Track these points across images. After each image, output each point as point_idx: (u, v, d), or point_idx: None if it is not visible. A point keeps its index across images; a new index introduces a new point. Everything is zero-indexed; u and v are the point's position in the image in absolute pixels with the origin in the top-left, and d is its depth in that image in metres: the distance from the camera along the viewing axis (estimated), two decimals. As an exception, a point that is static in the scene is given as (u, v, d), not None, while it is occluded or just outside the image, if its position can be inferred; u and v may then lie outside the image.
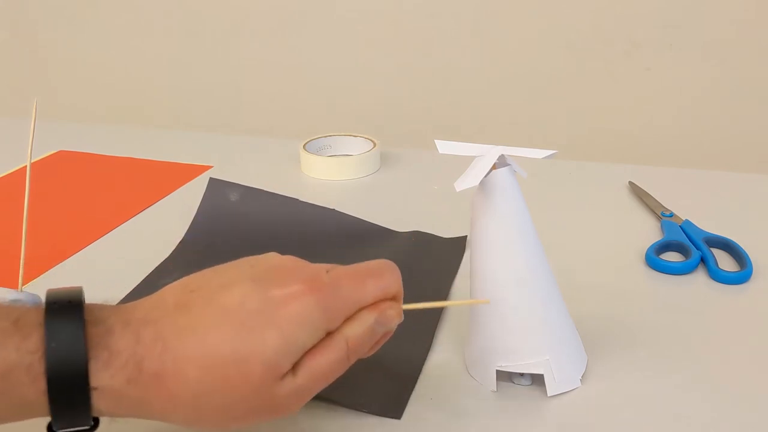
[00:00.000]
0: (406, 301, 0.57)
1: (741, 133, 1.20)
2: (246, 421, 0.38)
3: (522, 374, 0.48)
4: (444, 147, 0.47)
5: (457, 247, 0.66)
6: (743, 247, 0.63)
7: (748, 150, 1.19)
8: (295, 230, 0.67)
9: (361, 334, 0.39)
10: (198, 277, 0.39)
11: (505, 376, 0.48)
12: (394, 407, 0.46)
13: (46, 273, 0.63)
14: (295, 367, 0.37)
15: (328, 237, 0.67)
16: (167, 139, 1.00)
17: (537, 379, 0.48)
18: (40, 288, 0.59)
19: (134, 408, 0.36)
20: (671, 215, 0.71)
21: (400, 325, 0.54)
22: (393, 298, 0.40)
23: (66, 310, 0.35)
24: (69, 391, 0.34)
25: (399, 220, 0.70)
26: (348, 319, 0.39)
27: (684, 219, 0.70)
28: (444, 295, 0.59)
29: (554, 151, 0.46)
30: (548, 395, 0.47)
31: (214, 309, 0.36)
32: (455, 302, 0.48)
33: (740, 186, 0.80)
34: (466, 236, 0.66)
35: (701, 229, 0.67)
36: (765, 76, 1.16)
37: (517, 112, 1.28)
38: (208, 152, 0.92)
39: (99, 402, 0.35)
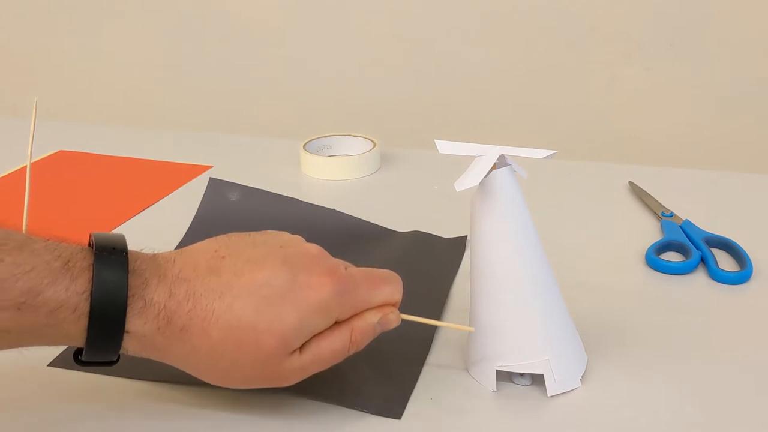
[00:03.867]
0: (404, 304, 0.58)
1: (741, 133, 1.20)
2: (247, 384, 0.43)
3: (522, 374, 0.48)
4: (444, 147, 0.47)
5: (457, 247, 0.66)
6: (743, 247, 0.63)
7: (748, 150, 1.19)
8: (294, 230, 0.67)
9: (364, 329, 0.43)
10: (229, 244, 0.43)
11: (505, 376, 0.48)
12: (394, 407, 0.46)
13: (46, 273, 0.63)
14: (302, 347, 0.41)
15: (328, 237, 0.67)
16: (167, 139, 1.00)
17: (537, 379, 0.48)
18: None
19: (157, 352, 0.40)
20: (671, 215, 0.71)
21: (400, 325, 0.55)
22: (394, 305, 0.45)
23: (112, 259, 0.39)
24: (106, 331, 0.38)
25: (399, 220, 0.70)
26: (355, 314, 0.43)
27: (684, 219, 0.70)
28: (444, 295, 0.59)
29: (554, 151, 0.46)
30: (548, 395, 0.47)
31: (244, 280, 0.40)
32: (445, 324, 0.53)
33: (740, 186, 0.80)
34: (466, 236, 0.66)
35: (701, 229, 0.67)
36: (765, 76, 1.16)
37: (518, 112, 1.28)
38: (208, 152, 0.92)
39: (128, 343, 0.39)
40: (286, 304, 0.40)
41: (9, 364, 0.51)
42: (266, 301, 0.40)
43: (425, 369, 0.50)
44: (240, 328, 0.40)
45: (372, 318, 0.44)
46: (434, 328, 0.54)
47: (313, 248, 0.45)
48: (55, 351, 0.52)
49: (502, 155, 0.46)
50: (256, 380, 0.42)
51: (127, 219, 0.74)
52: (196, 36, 1.39)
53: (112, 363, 0.41)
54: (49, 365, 0.50)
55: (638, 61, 1.20)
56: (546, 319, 0.47)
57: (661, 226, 0.69)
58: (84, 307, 0.38)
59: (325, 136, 0.89)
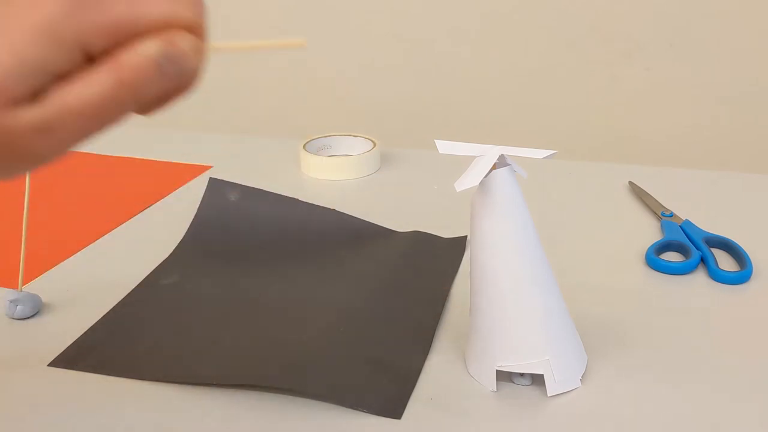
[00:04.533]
0: (409, 296, 0.58)
1: (741, 133, 1.20)
2: None
3: (522, 374, 0.48)
4: (444, 147, 0.47)
5: (457, 247, 0.66)
6: (743, 247, 0.63)
7: (748, 150, 1.19)
8: (294, 230, 0.67)
9: (138, 63, 0.29)
10: None
11: (505, 376, 0.48)
12: (394, 407, 0.46)
13: (46, 273, 0.63)
14: (40, 97, 0.29)
15: (328, 237, 0.67)
16: (167, 139, 1.00)
17: (537, 379, 0.48)
18: (40, 288, 0.59)
19: None
20: (671, 215, 0.71)
21: (400, 325, 0.54)
22: (189, 30, 0.31)
23: None
24: None
25: (399, 220, 0.70)
26: (119, 45, 0.29)
27: (684, 219, 0.70)
28: (444, 295, 0.59)
29: (554, 151, 0.46)
30: (548, 395, 0.47)
31: None
32: (273, 43, 0.35)
33: (740, 186, 0.80)
34: (466, 236, 0.66)
35: (701, 229, 0.67)
36: (765, 76, 1.16)
37: (518, 112, 1.28)
38: (208, 152, 0.92)
39: None
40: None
41: (9, 364, 0.51)
42: None
43: (425, 369, 0.50)
44: None
45: (147, 47, 0.29)
46: (434, 328, 0.54)
47: None
48: (55, 351, 0.52)
49: (502, 155, 0.46)
50: None
51: (127, 219, 0.74)
52: (196, 36, 1.39)
53: None
54: (49, 365, 0.51)
55: (638, 61, 1.20)
56: (546, 319, 0.47)
57: (661, 226, 0.69)
58: None
59: (325, 136, 0.89)
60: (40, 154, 0.30)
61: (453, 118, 1.31)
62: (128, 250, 0.68)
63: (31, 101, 0.29)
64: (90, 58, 0.29)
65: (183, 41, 0.30)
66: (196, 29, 0.31)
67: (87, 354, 0.52)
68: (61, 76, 0.29)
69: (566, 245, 0.65)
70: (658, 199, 0.74)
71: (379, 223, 0.69)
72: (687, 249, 0.64)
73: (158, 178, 0.84)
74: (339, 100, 1.36)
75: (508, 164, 0.46)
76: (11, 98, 0.28)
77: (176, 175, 0.85)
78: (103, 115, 0.30)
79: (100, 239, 0.70)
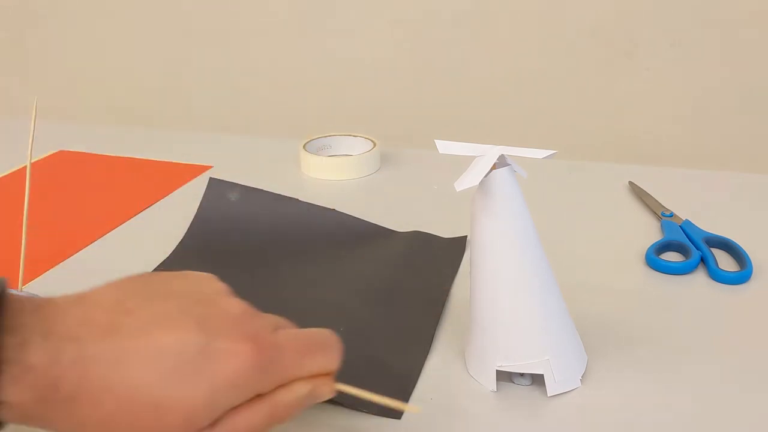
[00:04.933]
0: (409, 296, 0.58)
1: (741, 133, 1.20)
2: None
3: (522, 374, 0.48)
4: (444, 147, 0.47)
5: (457, 247, 0.66)
6: (743, 247, 0.63)
7: (748, 150, 1.19)
8: (294, 230, 0.67)
9: (290, 402, 0.37)
10: (136, 291, 0.37)
11: (505, 376, 0.48)
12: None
13: (46, 273, 0.63)
14: (214, 422, 0.35)
15: (328, 237, 0.67)
16: (167, 139, 1.00)
17: (537, 379, 0.48)
18: (40, 288, 0.59)
19: (39, 422, 0.33)
20: (671, 215, 0.71)
21: (400, 325, 0.55)
22: (328, 375, 0.39)
23: None
24: None
25: (399, 220, 0.70)
26: (280, 386, 0.37)
27: (684, 219, 0.70)
28: (444, 295, 0.59)
29: (554, 151, 0.46)
30: (548, 395, 0.47)
31: (147, 344, 0.34)
32: (381, 399, 0.41)
33: (740, 186, 0.80)
34: (466, 236, 0.66)
35: (701, 229, 0.67)
36: (765, 76, 1.16)
37: (517, 112, 1.28)
38: (208, 152, 0.92)
39: (5, 414, 0.32)
40: (196, 377, 0.34)
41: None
42: (173, 372, 0.34)
43: (425, 369, 0.50)
44: (138, 402, 0.33)
45: (300, 390, 0.37)
46: (434, 328, 0.54)
47: (236, 306, 0.38)
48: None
49: (502, 155, 0.46)
50: None
51: (127, 219, 0.74)
52: (196, 36, 1.39)
53: None
54: None
55: (638, 61, 1.20)
56: (546, 319, 0.47)
57: (661, 226, 0.69)
58: None
59: (325, 136, 0.89)
60: None
61: (453, 118, 1.31)
62: (128, 249, 0.68)
63: (211, 426, 0.35)
64: None
65: (325, 386, 0.39)
66: (333, 372, 0.39)
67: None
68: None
69: (566, 245, 0.65)
70: (658, 199, 0.74)
71: (379, 223, 0.69)
72: (687, 249, 0.64)
73: (158, 178, 0.84)
74: (339, 100, 1.36)
75: (508, 164, 0.46)
76: (198, 428, 0.34)
77: (176, 175, 0.85)
78: None
79: (100, 239, 0.70)
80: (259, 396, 0.36)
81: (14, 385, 0.31)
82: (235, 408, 0.35)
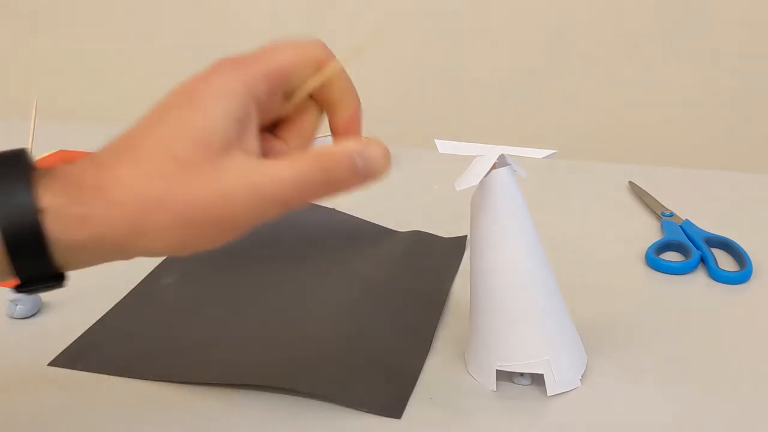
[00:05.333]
0: (409, 296, 0.58)
1: (741, 133, 1.20)
2: (201, 223, 0.35)
3: (522, 374, 0.48)
4: (444, 147, 0.47)
5: (457, 247, 0.66)
6: (743, 247, 0.63)
7: (748, 150, 1.19)
8: (294, 229, 0.67)
9: (337, 154, 0.37)
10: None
11: (505, 376, 0.48)
12: (394, 407, 0.46)
13: (46, 273, 0.63)
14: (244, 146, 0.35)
15: (328, 237, 0.67)
16: (167, 139, 1.00)
17: (537, 379, 0.48)
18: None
19: (82, 228, 0.34)
20: (671, 215, 0.71)
21: (400, 325, 0.55)
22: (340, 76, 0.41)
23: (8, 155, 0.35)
24: (19, 213, 0.33)
25: (399, 220, 0.70)
26: (282, 92, 0.38)
27: (684, 219, 0.70)
28: (444, 295, 0.59)
29: (554, 151, 0.46)
30: (548, 395, 0.47)
31: (145, 121, 0.36)
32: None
33: (740, 186, 0.80)
34: (466, 236, 0.66)
35: (701, 229, 0.67)
36: (765, 75, 1.16)
37: (517, 112, 1.28)
38: (208, 152, 0.92)
39: (53, 226, 0.33)
40: (185, 107, 0.35)
41: (9, 364, 0.51)
42: (164, 115, 0.35)
43: (425, 369, 0.50)
44: (149, 154, 0.34)
45: (347, 145, 0.37)
46: (434, 328, 0.54)
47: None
48: (55, 351, 0.52)
49: (502, 155, 0.46)
50: (206, 207, 0.34)
51: (127, 219, 0.74)
52: (196, 36, 1.39)
53: (58, 281, 0.35)
54: (49, 365, 0.51)
55: (638, 61, 1.20)
56: (546, 319, 0.47)
57: (661, 226, 0.69)
58: None
59: (325, 136, 0.88)
60: (240, 208, 0.35)
61: (453, 118, 1.31)
62: (128, 250, 0.68)
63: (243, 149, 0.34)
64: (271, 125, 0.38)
65: (375, 147, 0.37)
66: (344, 76, 0.39)
67: (87, 354, 0.52)
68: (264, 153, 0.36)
69: (566, 245, 0.65)
70: (658, 199, 0.74)
71: (379, 223, 0.69)
72: (687, 249, 0.64)
73: (158, 178, 0.84)
74: (339, 100, 1.35)
75: (508, 164, 0.46)
76: (215, 147, 0.34)
77: (176, 175, 0.85)
78: (303, 193, 0.35)
79: (100, 239, 0.69)
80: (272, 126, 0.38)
81: (48, 190, 0.33)
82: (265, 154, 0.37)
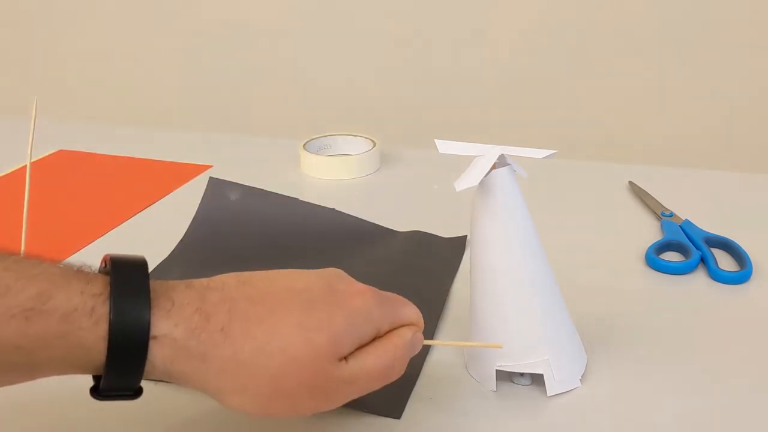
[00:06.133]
0: (409, 296, 0.58)
1: (741, 133, 1.20)
2: (293, 402, 0.37)
3: (522, 374, 0.48)
4: (444, 147, 0.47)
5: (457, 247, 0.66)
6: (743, 247, 0.63)
7: (748, 150, 1.19)
8: (295, 230, 0.67)
9: (403, 346, 0.41)
10: (248, 273, 0.40)
11: (505, 376, 0.48)
12: (394, 407, 0.46)
13: (46, 273, 0.63)
14: (348, 357, 0.38)
15: (328, 237, 0.67)
16: (167, 139, 1.00)
17: (537, 379, 0.48)
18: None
19: (190, 362, 0.35)
20: (671, 215, 0.71)
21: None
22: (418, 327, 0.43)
23: (130, 263, 0.36)
24: (129, 335, 0.33)
25: (399, 220, 0.70)
26: (392, 330, 0.41)
27: (684, 219, 0.70)
28: (444, 295, 0.59)
29: (554, 151, 0.46)
30: (548, 395, 0.47)
31: (280, 288, 0.39)
32: (469, 344, 0.50)
33: (740, 186, 0.80)
34: (466, 236, 0.66)
35: (701, 229, 0.67)
36: (765, 75, 1.16)
37: (517, 112, 1.28)
38: (208, 152, 0.92)
39: (157, 352, 0.34)
40: (331, 306, 0.38)
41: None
42: (310, 304, 0.38)
43: (425, 369, 0.50)
44: (288, 325, 0.36)
45: (406, 334, 0.41)
46: (434, 328, 0.54)
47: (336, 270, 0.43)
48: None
49: (502, 155, 0.46)
50: (302, 395, 0.37)
51: (127, 219, 0.74)
52: (196, 36, 1.39)
53: (134, 394, 0.36)
54: None
55: (638, 61, 1.20)
56: (546, 319, 0.47)
57: (661, 226, 0.69)
58: (101, 309, 0.33)
59: (325, 136, 0.89)
60: (339, 400, 0.40)
61: (453, 118, 1.31)
62: (128, 249, 0.67)
63: (347, 360, 0.38)
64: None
65: (419, 333, 0.43)
66: (420, 327, 0.43)
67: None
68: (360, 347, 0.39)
69: (566, 245, 0.65)
70: (658, 199, 0.74)
71: (379, 223, 0.69)
72: (687, 249, 0.64)
73: (158, 178, 0.84)
74: (339, 100, 1.35)
75: (508, 164, 0.46)
76: (341, 354, 0.38)
77: (176, 175, 0.85)
78: (382, 377, 0.40)
79: (100, 239, 0.70)
80: (378, 339, 0.40)
81: (166, 318, 0.34)
82: (362, 347, 0.39)
